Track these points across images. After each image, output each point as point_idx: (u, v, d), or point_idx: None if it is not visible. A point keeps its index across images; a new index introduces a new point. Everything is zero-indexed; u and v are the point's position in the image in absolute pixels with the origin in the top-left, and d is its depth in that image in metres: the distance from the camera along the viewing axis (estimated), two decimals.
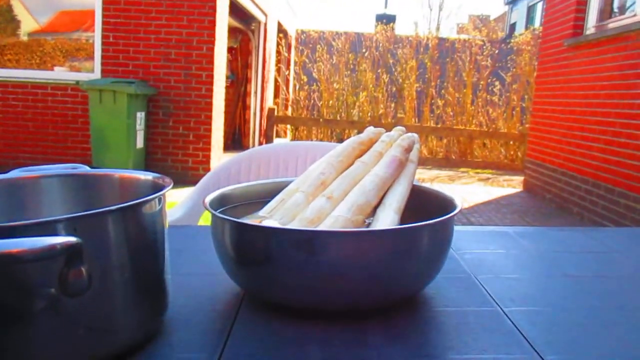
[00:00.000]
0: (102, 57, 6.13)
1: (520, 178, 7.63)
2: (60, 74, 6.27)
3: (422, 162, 9.11)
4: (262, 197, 0.74)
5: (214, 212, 0.63)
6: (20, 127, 6.21)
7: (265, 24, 9.34)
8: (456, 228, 0.72)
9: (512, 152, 9.76)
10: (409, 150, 0.71)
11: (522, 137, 8.75)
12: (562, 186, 5.71)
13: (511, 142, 9.71)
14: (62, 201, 0.61)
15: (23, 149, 6.23)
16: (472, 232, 1.01)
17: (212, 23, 6.02)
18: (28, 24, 6.42)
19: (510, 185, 7.64)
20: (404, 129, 0.76)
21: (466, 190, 6.97)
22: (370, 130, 0.76)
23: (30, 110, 6.19)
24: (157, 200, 0.51)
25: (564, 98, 5.80)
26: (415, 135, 0.73)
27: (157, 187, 0.57)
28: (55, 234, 0.41)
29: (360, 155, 0.72)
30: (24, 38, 6.41)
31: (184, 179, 5.91)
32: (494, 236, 0.99)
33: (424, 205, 0.72)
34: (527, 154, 7.02)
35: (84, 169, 0.64)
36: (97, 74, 6.13)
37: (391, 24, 11.29)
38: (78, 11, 6.30)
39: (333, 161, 0.71)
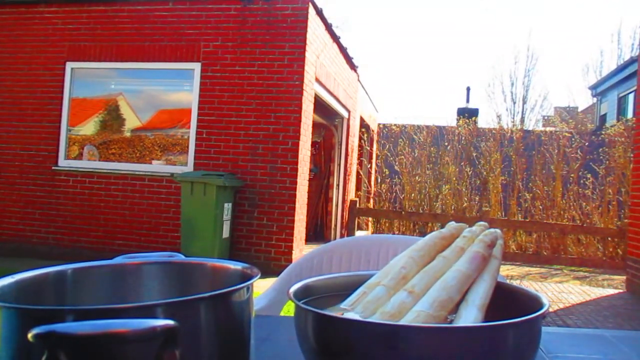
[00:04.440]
0: (195, 151, 6.60)
1: (623, 277, 7.06)
2: (157, 167, 6.78)
3: (511, 258, 8.69)
4: (345, 290, 0.75)
5: (297, 302, 0.64)
6: (118, 215, 6.68)
7: (348, 120, 9.70)
8: (549, 329, 0.68)
9: (610, 249, 9.11)
10: (491, 245, 0.70)
11: (622, 233, 8.19)
12: None
13: (609, 238, 9.09)
14: (160, 286, 0.66)
15: (119, 236, 6.66)
16: (565, 334, 0.96)
17: (298, 120, 6.35)
18: (132, 121, 7.10)
19: (610, 285, 7.07)
20: (486, 224, 0.75)
21: (560, 289, 6.52)
22: (451, 226, 0.76)
23: (128, 200, 6.67)
24: (245, 289, 0.54)
25: None
26: (499, 231, 0.73)
27: (245, 277, 0.60)
28: (155, 317, 0.44)
29: (441, 250, 0.72)
30: (127, 134, 7.07)
31: (266, 269, 6.00)
32: (589, 340, 0.92)
33: (509, 303, 0.70)
34: (628, 252, 6.53)
35: (180, 257, 0.69)
36: (190, 167, 6.57)
37: (473, 117, 11.33)
38: (176, 110, 6.90)
39: (414, 255, 0.72)
